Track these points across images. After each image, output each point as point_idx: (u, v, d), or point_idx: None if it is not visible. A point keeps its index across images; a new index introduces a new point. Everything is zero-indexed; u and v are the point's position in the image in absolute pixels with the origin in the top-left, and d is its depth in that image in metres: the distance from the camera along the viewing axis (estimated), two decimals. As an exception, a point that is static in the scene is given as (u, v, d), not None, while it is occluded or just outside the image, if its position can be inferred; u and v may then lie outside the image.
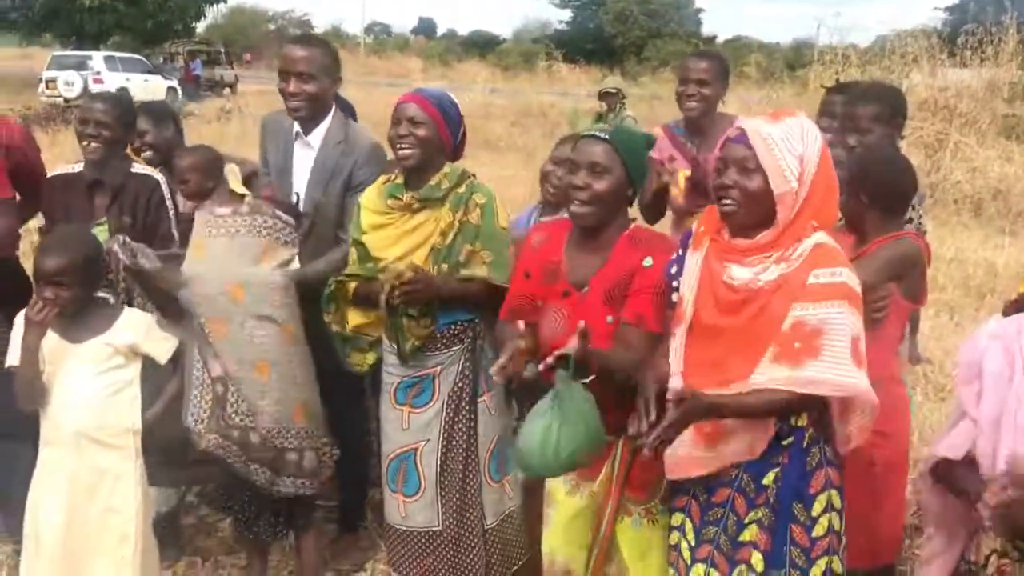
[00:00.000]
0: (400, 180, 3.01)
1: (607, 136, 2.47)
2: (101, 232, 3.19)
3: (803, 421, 2.26)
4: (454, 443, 3.05)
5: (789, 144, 2.20)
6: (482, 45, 57.80)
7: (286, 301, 2.98)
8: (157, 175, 3.37)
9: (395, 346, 2.99)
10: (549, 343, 2.44)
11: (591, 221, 2.51)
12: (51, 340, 2.66)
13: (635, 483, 2.56)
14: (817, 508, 2.27)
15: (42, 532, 2.69)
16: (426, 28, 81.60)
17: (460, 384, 3.03)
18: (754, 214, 2.23)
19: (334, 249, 3.27)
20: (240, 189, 3.00)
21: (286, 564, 3.53)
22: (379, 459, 3.26)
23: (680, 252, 2.42)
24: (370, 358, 3.17)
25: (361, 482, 3.66)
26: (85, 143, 3.19)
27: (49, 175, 3.43)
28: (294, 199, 3.29)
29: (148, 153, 3.62)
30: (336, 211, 3.31)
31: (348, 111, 3.65)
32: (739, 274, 2.25)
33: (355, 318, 3.09)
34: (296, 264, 3.06)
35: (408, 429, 3.05)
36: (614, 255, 2.52)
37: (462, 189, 2.98)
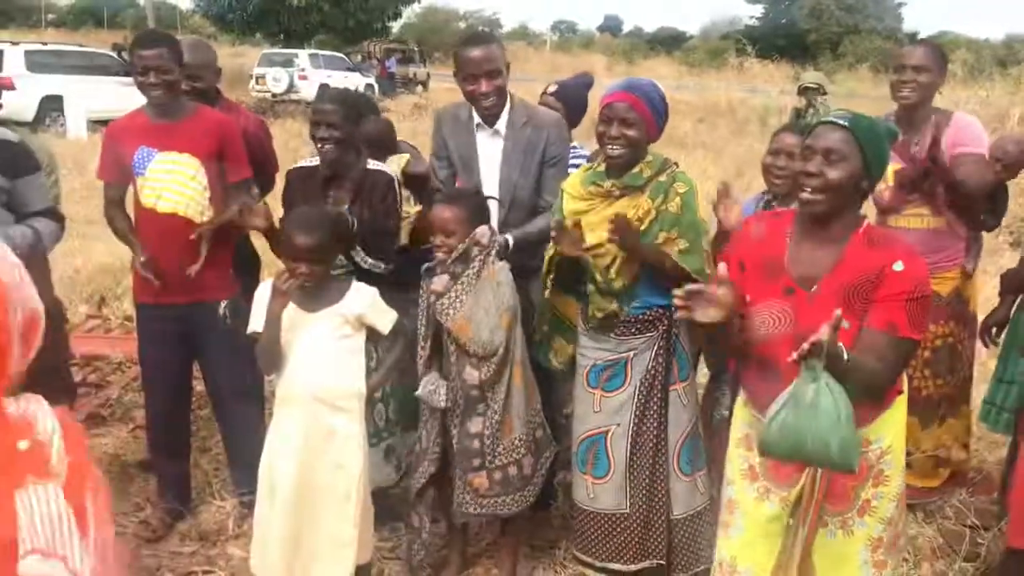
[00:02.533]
0: (602, 167, 3.08)
1: (847, 123, 2.32)
2: None
3: None
4: (644, 429, 3.10)
5: None
6: (669, 42, 57.10)
7: None
8: (390, 172, 3.53)
9: (583, 316, 3.08)
10: (767, 342, 2.38)
11: (822, 209, 2.34)
12: (289, 310, 2.89)
13: (835, 491, 2.41)
14: None
15: (278, 483, 2.91)
16: (612, 26, 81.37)
17: (653, 370, 3.07)
18: None
19: (538, 218, 3.38)
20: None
21: (485, 536, 3.68)
22: (570, 440, 3.35)
23: None
24: (569, 350, 3.27)
25: (552, 462, 3.76)
26: (319, 145, 3.34)
27: (290, 168, 3.65)
28: (482, 189, 3.41)
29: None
30: (533, 184, 3.41)
31: None
32: None
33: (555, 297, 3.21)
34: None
35: (600, 412, 3.13)
36: (848, 254, 2.34)
37: (663, 178, 3.01)
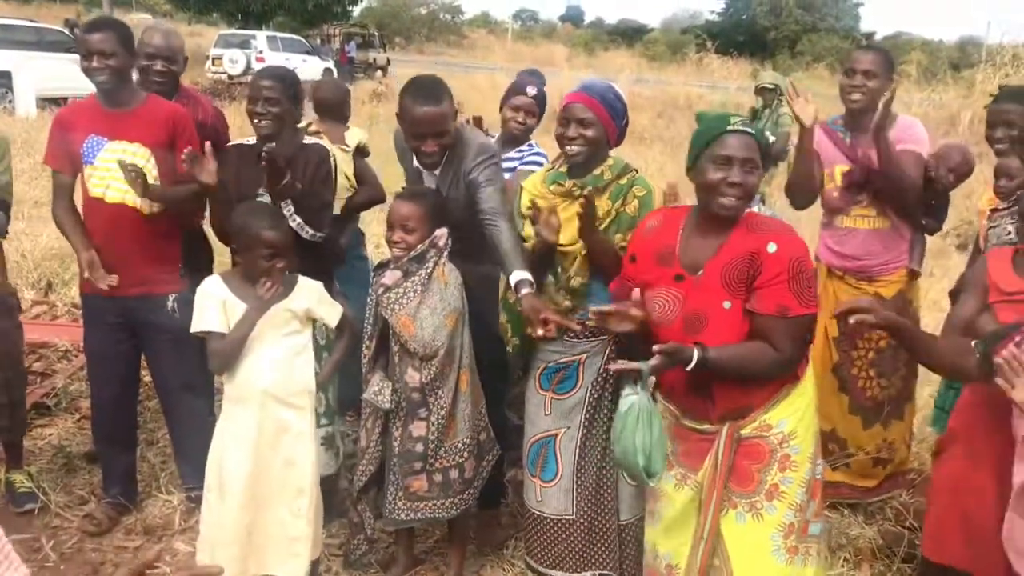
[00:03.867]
0: (564, 168, 3.10)
1: (753, 131, 2.50)
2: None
3: None
4: (594, 433, 3.12)
5: None
6: (630, 34, 57.30)
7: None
8: (326, 146, 3.52)
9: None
10: (660, 326, 2.56)
11: (740, 214, 2.54)
12: (239, 308, 2.87)
13: (739, 474, 2.58)
14: None
15: (229, 480, 2.89)
16: (574, 16, 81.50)
17: (605, 373, 3.08)
18: None
19: (500, 232, 3.12)
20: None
21: (432, 533, 3.68)
22: (521, 439, 3.35)
23: None
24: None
25: (501, 461, 3.76)
26: (256, 120, 3.29)
27: (226, 145, 3.61)
28: None
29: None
30: (465, 202, 3.22)
31: None
32: None
33: None
34: None
35: (550, 415, 3.14)
36: (731, 239, 2.52)
37: (623, 181, 3.04)
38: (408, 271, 3.05)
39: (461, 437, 3.16)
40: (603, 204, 3.02)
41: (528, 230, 3.10)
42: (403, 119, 3.19)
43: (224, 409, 2.98)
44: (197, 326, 2.90)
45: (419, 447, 3.10)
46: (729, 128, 2.48)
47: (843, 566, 3.50)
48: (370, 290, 3.15)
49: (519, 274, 2.96)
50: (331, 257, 3.55)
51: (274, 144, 3.29)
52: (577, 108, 2.99)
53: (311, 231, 3.23)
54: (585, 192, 2.94)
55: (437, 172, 3.27)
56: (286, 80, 3.36)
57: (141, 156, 3.36)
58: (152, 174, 3.38)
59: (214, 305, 2.87)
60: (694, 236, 2.60)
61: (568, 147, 3.00)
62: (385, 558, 3.50)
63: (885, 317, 2.49)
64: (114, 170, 3.31)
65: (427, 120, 3.11)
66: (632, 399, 2.47)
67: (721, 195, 2.48)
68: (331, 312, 3.07)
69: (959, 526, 2.86)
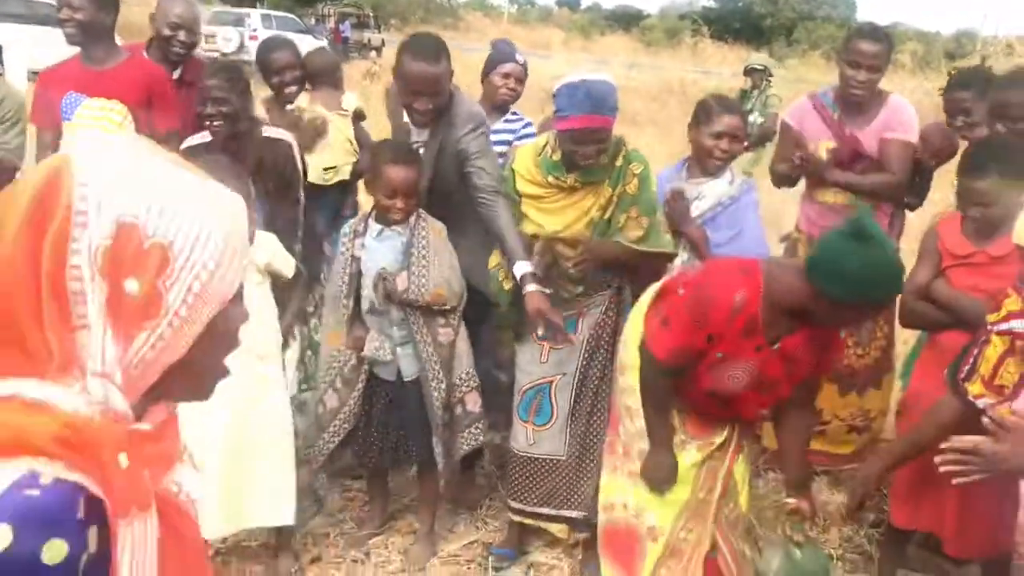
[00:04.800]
0: (557, 156, 3.05)
1: None
2: None
3: None
4: (588, 378, 3.18)
5: None
6: (626, 20, 57.15)
7: None
8: (288, 138, 3.50)
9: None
10: (723, 392, 2.52)
11: None
12: None
13: (746, 434, 2.77)
14: None
15: (211, 439, 2.87)
16: (571, 0, 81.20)
17: (602, 322, 3.16)
18: None
19: (499, 217, 3.13)
20: None
21: (408, 491, 3.72)
22: (499, 401, 3.41)
23: None
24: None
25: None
26: (208, 123, 3.29)
27: (182, 147, 3.52)
28: None
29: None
30: (456, 178, 3.25)
31: None
32: None
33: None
34: None
35: (546, 363, 3.20)
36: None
37: (619, 162, 3.04)
38: (406, 241, 3.07)
39: (459, 371, 3.20)
40: (604, 191, 3.03)
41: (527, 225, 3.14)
42: (399, 75, 3.18)
43: None
44: None
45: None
46: None
47: (812, 531, 3.54)
48: (341, 248, 3.16)
49: (523, 266, 2.99)
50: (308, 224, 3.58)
51: (231, 143, 3.29)
52: (596, 131, 2.93)
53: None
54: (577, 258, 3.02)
55: (426, 133, 3.28)
56: (233, 74, 3.36)
57: (119, 113, 3.36)
58: (130, 131, 3.39)
59: None
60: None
61: (584, 162, 2.97)
62: (360, 515, 3.54)
63: None
64: (91, 126, 3.31)
65: (423, 78, 3.10)
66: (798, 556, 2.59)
67: None
68: (287, 264, 3.10)
69: (923, 489, 2.91)
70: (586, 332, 3.17)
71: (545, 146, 3.12)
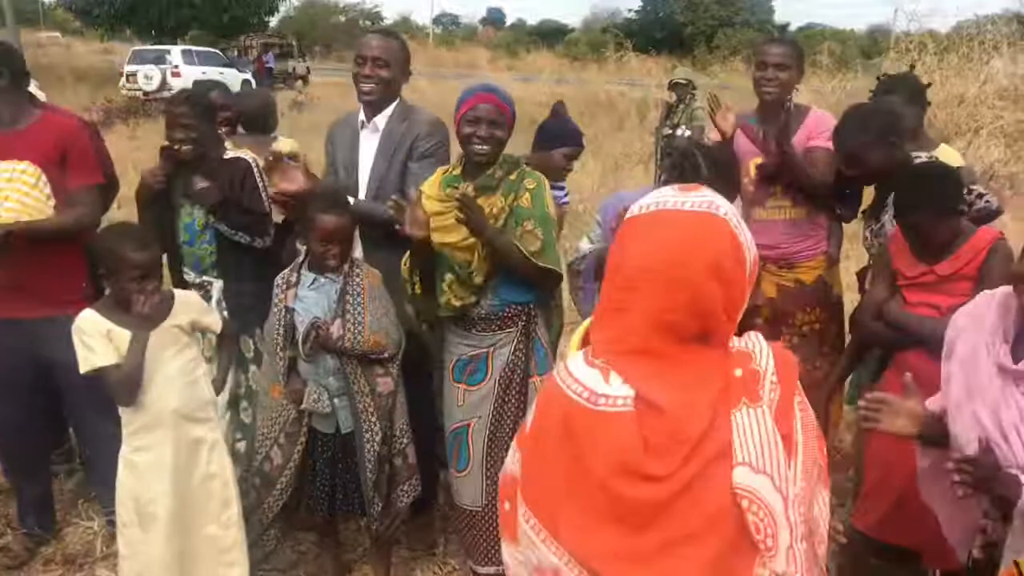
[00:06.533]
0: (458, 171, 3.13)
1: None
2: (201, 214, 3.44)
3: None
4: (503, 422, 3.15)
5: None
6: (551, 35, 57.66)
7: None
8: (248, 157, 3.54)
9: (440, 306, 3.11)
10: None
11: None
12: (124, 336, 2.75)
13: None
14: None
15: (152, 511, 2.81)
16: (495, 18, 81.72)
17: (512, 364, 3.12)
18: None
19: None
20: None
21: (363, 541, 3.65)
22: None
23: None
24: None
25: (431, 462, 3.74)
26: (177, 147, 3.39)
27: (142, 170, 3.56)
28: (360, 181, 3.47)
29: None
30: (398, 179, 3.41)
31: None
32: None
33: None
34: None
35: (463, 405, 3.16)
36: None
37: (513, 176, 3.07)
38: (340, 289, 3.03)
39: (399, 423, 3.16)
40: (496, 202, 3.03)
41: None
42: (356, 53, 3.48)
43: (129, 441, 2.86)
44: (87, 365, 2.75)
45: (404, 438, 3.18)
46: None
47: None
48: (275, 300, 3.10)
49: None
50: (272, 264, 3.51)
51: (193, 162, 3.39)
52: (488, 109, 3.01)
53: (249, 238, 3.38)
54: (456, 195, 2.91)
55: (380, 125, 3.44)
56: (197, 102, 3.50)
57: (32, 175, 3.25)
58: (44, 192, 3.28)
59: (98, 338, 2.74)
60: None
61: (479, 146, 3.01)
62: (313, 569, 3.45)
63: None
64: (6, 189, 3.20)
65: (371, 45, 3.41)
66: None
67: None
68: (214, 320, 3.05)
69: (890, 500, 2.93)
70: (496, 373, 3.13)
71: (451, 168, 3.18)
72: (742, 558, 1.34)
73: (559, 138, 3.82)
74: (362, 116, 3.52)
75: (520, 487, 1.48)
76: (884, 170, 3.26)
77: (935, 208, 2.79)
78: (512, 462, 1.55)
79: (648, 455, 1.33)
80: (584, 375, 1.41)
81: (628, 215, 1.45)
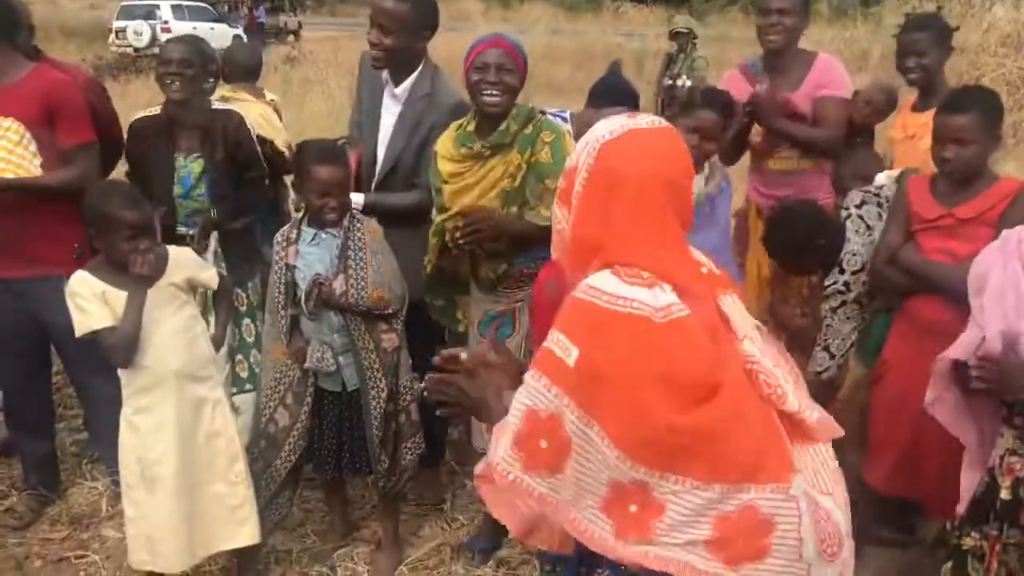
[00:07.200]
0: (472, 127, 3.02)
1: None
2: (196, 166, 3.37)
3: None
4: None
5: None
6: (545, -14, 56.80)
7: None
8: (238, 111, 3.49)
9: (474, 277, 3.09)
10: None
11: None
12: (120, 296, 2.69)
13: None
14: None
15: (157, 472, 2.78)
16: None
17: None
18: None
19: (409, 192, 3.33)
20: None
21: (370, 498, 3.63)
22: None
23: None
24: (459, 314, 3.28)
25: (441, 419, 3.72)
26: (168, 82, 3.29)
27: (132, 119, 3.50)
28: (378, 150, 3.38)
29: None
30: (413, 160, 3.32)
31: None
32: None
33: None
34: None
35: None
36: None
37: (529, 129, 2.97)
38: (341, 244, 2.97)
39: (404, 380, 3.13)
40: (513, 158, 2.94)
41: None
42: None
43: (129, 402, 2.81)
44: (83, 328, 2.69)
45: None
46: None
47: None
48: (275, 257, 3.03)
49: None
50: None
51: (184, 111, 3.34)
52: (497, 54, 2.89)
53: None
54: (458, 226, 2.91)
55: (402, 95, 3.30)
56: (199, 47, 3.47)
57: (16, 132, 3.16)
58: (29, 149, 3.20)
59: (93, 300, 2.67)
60: None
61: (489, 94, 2.89)
62: (322, 527, 3.44)
63: None
64: None
65: (378, 8, 3.20)
66: None
67: None
68: (211, 276, 2.99)
69: (896, 452, 2.92)
70: (523, 329, 3.09)
71: (464, 123, 3.07)
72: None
73: (615, 96, 3.71)
74: (386, 74, 3.37)
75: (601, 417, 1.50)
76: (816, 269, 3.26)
77: (982, 110, 2.75)
78: (550, 397, 1.52)
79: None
80: (637, 294, 1.49)
81: (606, 139, 1.59)
